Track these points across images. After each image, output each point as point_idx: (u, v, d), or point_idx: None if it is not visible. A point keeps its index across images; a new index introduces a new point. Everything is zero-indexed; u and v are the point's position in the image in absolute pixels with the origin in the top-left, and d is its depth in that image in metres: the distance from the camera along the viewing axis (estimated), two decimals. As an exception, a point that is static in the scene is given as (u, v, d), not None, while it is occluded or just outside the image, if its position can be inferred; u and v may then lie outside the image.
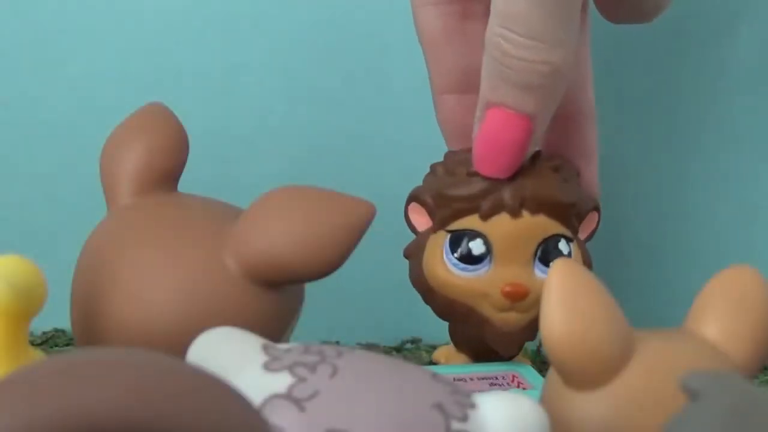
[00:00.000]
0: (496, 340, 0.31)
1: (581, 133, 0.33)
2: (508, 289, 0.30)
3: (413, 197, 0.32)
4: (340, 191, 0.27)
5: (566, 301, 0.21)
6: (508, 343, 0.31)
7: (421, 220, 0.32)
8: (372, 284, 0.41)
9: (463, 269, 0.30)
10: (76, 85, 0.40)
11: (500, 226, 0.30)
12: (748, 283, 0.23)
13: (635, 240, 0.43)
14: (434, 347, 0.40)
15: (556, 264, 0.22)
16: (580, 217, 0.31)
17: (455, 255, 0.30)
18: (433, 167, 0.32)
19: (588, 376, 0.21)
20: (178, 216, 0.27)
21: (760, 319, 0.23)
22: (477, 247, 0.30)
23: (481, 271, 0.30)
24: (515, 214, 0.30)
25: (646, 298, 0.43)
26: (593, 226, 0.32)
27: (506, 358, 0.32)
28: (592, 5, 0.33)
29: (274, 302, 0.26)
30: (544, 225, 0.30)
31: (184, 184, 0.29)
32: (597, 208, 0.32)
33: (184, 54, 0.40)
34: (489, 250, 0.30)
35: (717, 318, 0.23)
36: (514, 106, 0.28)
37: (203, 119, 0.39)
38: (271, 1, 0.40)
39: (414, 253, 0.32)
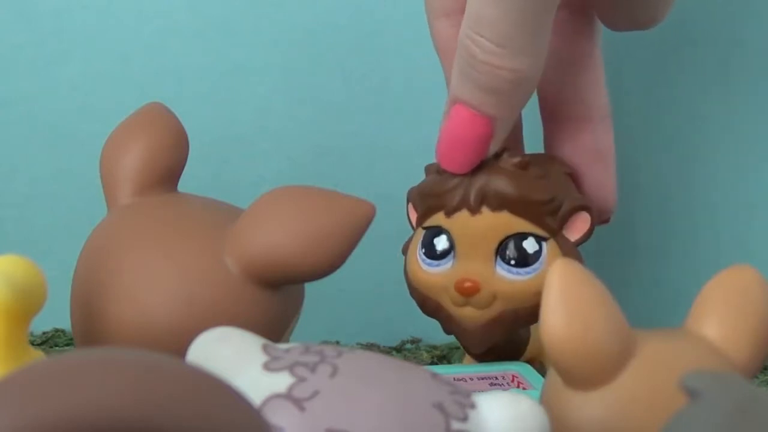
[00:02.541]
0: (458, 334, 0.31)
1: (593, 136, 0.33)
2: (462, 284, 0.30)
3: (408, 197, 0.32)
4: (340, 191, 0.27)
5: (566, 301, 0.21)
6: (471, 338, 0.31)
7: (415, 218, 0.32)
8: (372, 284, 0.41)
9: (429, 264, 0.31)
10: (76, 85, 0.40)
11: (461, 222, 0.30)
12: (748, 283, 0.23)
13: (635, 240, 0.43)
14: (434, 347, 0.40)
15: (556, 264, 0.22)
16: (560, 216, 0.30)
17: (423, 250, 0.31)
18: (427, 168, 0.32)
19: (588, 376, 0.21)
20: (178, 216, 0.27)
21: (760, 319, 0.23)
22: (441, 242, 0.30)
23: (446, 266, 0.31)
24: (474, 210, 0.30)
25: (646, 298, 0.43)
26: (585, 227, 0.31)
27: (474, 354, 0.32)
28: None
29: (274, 302, 0.26)
30: (506, 222, 0.30)
31: (184, 184, 0.29)
32: (585, 208, 0.31)
33: (184, 54, 0.40)
34: (452, 246, 0.30)
35: (717, 318, 0.23)
36: (477, 107, 0.29)
37: (203, 119, 0.39)
38: (271, 1, 0.40)
39: (405, 251, 0.32)
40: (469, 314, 0.30)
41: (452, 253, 0.30)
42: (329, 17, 0.41)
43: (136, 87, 0.40)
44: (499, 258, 0.30)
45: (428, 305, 0.31)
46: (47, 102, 0.40)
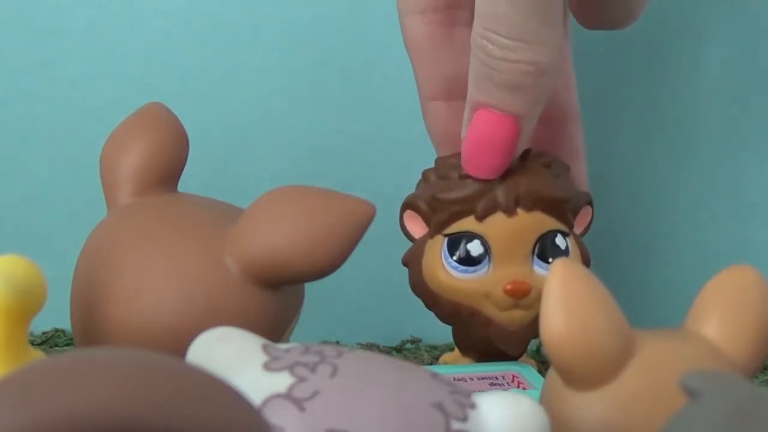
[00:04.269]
0: (502, 339, 0.31)
1: (567, 134, 0.33)
2: (509, 287, 0.30)
3: (408, 204, 0.32)
4: (340, 191, 0.27)
5: (566, 301, 0.21)
6: (515, 341, 0.31)
7: (417, 226, 0.32)
8: (372, 284, 0.41)
9: (463, 271, 0.30)
10: (76, 85, 0.40)
11: (496, 225, 0.30)
12: (748, 283, 0.23)
13: (635, 240, 0.43)
14: (434, 347, 0.40)
15: (556, 264, 0.22)
16: (575, 212, 0.31)
17: (454, 258, 0.30)
18: (425, 174, 0.32)
19: (588, 376, 0.21)
20: (178, 216, 0.27)
21: (760, 319, 0.23)
22: (475, 248, 0.30)
23: (482, 271, 0.30)
24: (510, 212, 0.30)
25: (646, 298, 0.43)
26: (587, 220, 0.32)
27: (513, 357, 0.32)
28: None
29: (274, 302, 0.26)
30: (540, 221, 0.30)
31: (184, 184, 0.29)
32: (590, 203, 0.32)
33: (184, 54, 0.40)
34: (487, 250, 0.30)
35: (717, 318, 0.23)
36: (501, 107, 0.29)
37: (203, 119, 0.39)
38: (271, 1, 0.40)
39: (412, 260, 0.32)
40: (516, 316, 0.30)
41: (488, 257, 0.30)
42: (329, 17, 0.41)
43: (136, 87, 0.40)
44: (536, 257, 0.30)
45: (461, 313, 0.31)
46: (47, 102, 0.40)
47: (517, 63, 0.28)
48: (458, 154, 0.31)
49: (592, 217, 0.32)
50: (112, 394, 0.13)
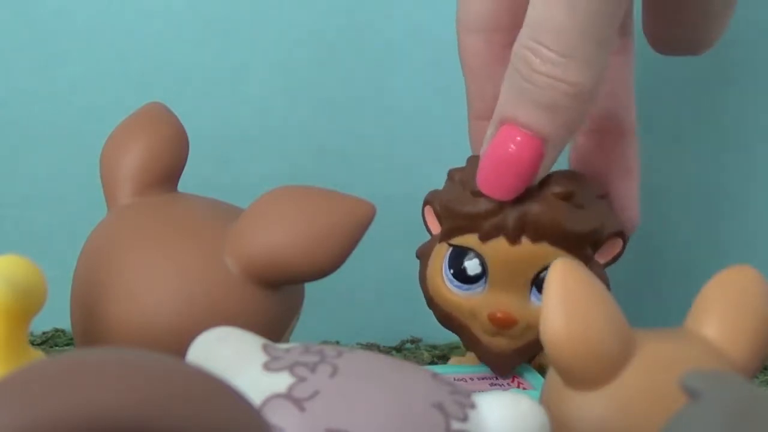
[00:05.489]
0: (488, 360, 0.31)
1: (620, 151, 0.32)
2: (498, 315, 0.29)
3: (427, 200, 0.31)
4: (340, 191, 0.27)
5: (566, 301, 0.22)
6: (499, 363, 0.31)
7: (434, 223, 0.31)
8: (372, 284, 0.41)
9: (457, 286, 0.30)
10: (76, 85, 0.40)
11: (498, 249, 0.29)
12: (748, 283, 0.23)
13: (635, 240, 0.43)
14: (434, 347, 0.40)
15: (556, 264, 0.22)
16: (597, 244, 0.30)
17: (452, 271, 0.30)
18: (450, 173, 0.31)
19: (588, 376, 0.21)
20: (178, 216, 0.27)
21: (760, 319, 0.23)
22: (473, 267, 0.30)
23: (476, 291, 0.30)
24: (514, 240, 0.29)
25: (646, 298, 0.43)
26: (617, 251, 0.31)
27: (500, 375, 0.32)
28: (636, 27, 0.32)
29: (274, 302, 0.26)
30: (545, 253, 0.29)
31: (184, 184, 0.29)
32: (620, 234, 0.30)
33: (185, 54, 0.40)
34: (485, 272, 0.29)
35: (717, 318, 0.23)
36: (530, 125, 0.27)
37: (203, 119, 0.39)
38: (271, 1, 0.40)
39: (423, 255, 0.31)
40: (500, 343, 0.30)
41: (484, 278, 0.30)
42: (329, 17, 0.41)
43: (136, 87, 0.40)
44: (534, 288, 0.30)
45: (452, 323, 0.31)
46: (47, 102, 0.40)
47: (560, 81, 0.26)
48: None
49: (622, 249, 0.30)
50: (112, 395, 0.13)
